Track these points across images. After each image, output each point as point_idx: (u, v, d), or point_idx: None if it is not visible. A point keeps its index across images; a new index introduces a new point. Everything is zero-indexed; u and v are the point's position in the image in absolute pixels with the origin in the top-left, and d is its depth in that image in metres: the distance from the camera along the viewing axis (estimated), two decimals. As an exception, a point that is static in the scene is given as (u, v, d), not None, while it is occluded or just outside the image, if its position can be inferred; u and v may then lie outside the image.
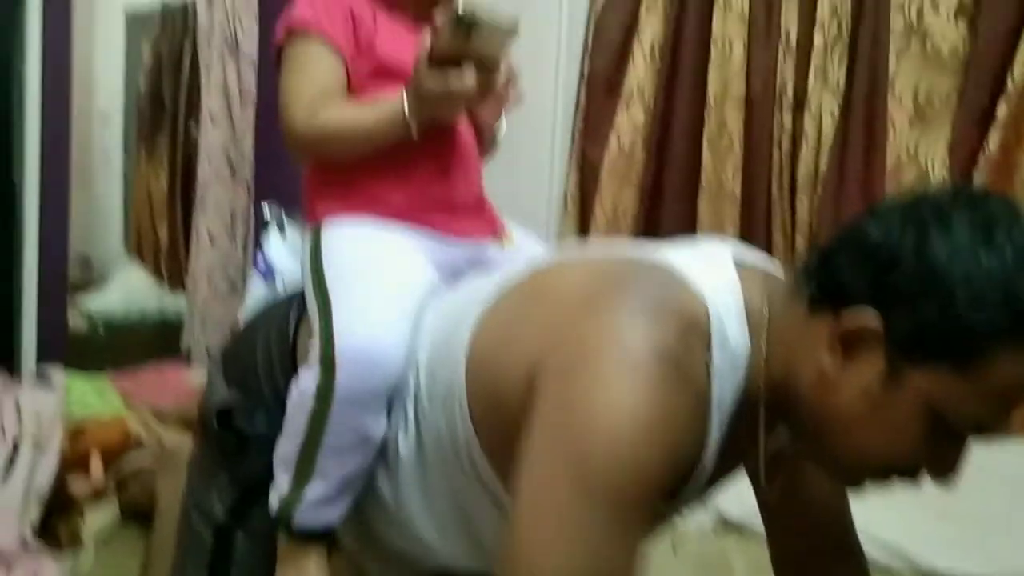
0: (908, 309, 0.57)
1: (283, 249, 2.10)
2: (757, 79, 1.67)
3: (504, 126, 1.16)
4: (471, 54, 0.92)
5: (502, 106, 1.08)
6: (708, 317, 0.64)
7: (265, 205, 2.07)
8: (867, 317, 0.58)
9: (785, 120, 1.63)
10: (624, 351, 0.61)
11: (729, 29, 1.71)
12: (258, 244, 1.95)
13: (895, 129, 1.51)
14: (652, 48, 1.85)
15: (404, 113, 0.95)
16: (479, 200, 1.12)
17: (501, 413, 0.68)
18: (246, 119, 1.89)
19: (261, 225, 1.98)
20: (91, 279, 2.48)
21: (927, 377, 0.57)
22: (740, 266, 0.70)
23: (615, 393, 0.59)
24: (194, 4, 1.96)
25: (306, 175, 1.09)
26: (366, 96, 1.01)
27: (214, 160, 1.86)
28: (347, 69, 1.02)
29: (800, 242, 1.60)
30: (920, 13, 1.48)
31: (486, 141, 1.17)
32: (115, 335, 2.22)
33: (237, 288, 1.89)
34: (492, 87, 0.99)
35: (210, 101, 1.85)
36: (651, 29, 1.85)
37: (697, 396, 0.62)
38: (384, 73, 1.01)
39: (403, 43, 1.03)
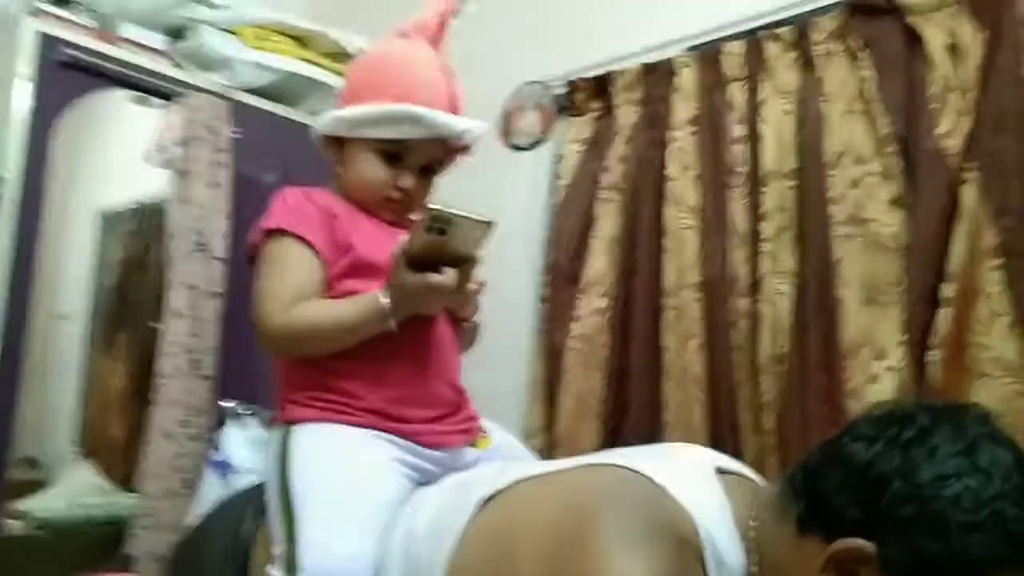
0: (902, 537, 0.56)
1: (242, 443, 2.03)
2: (711, 266, 1.74)
3: (480, 317, 1.17)
4: (447, 251, 0.96)
5: (475, 297, 1.10)
6: (697, 534, 0.62)
7: (227, 401, 2.03)
8: (860, 546, 0.57)
9: (741, 304, 1.67)
10: None
11: (682, 221, 1.81)
12: (215, 440, 1.89)
13: (848, 311, 1.56)
14: (609, 240, 1.93)
15: (384, 307, 0.96)
16: (456, 397, 1.11)
17: None
18: (211, 314, 1.90)
19: (220, 420, 1.94)
20: (37, 480, 2.36)
21: None
22: (719, 472, 0.69)
23: None
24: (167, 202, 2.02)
25: (278, 372, 1.08)
26: (341, 292, 1.03)
27: (175, 354, 1.84)
28: (324, 269, 1.04)
29: (767, 421, 1.59)
30: (859, 203, 1.57)
31: (467, 333, 1.18)
32: (57, 539, 2.08)
33: (191, 486, 1.80)
34: (469, 281, 1.02)
35: (175, 296, 1.86)
36: (607, 222, 1.95)
37: None
38: (360, 271, 1.04)
39: (379, 242, 1.07)
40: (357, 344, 0.98)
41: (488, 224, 0.95)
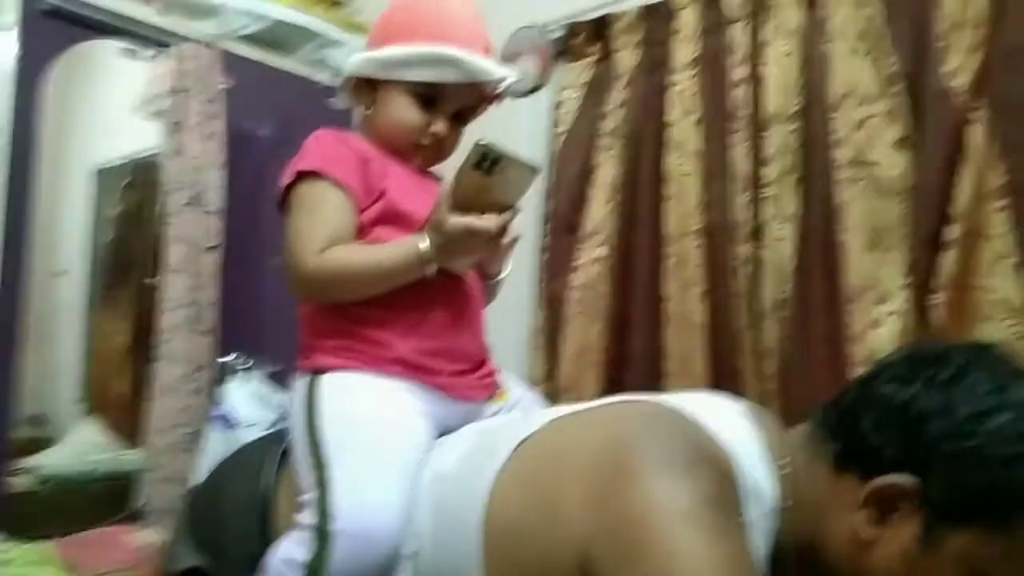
0: (943, 472, 0.58)
1: (245, 397, 2.04)
2: (713, 212, 1.72)
3: (506, 270, 1.16)
4: (490, 196, 0.92)
5: (508, 251, 1.08)
6: (732, 466, 0.63)
7: (228, 355, 2.03)
8: (903, 482, 0.58)
9: (743, 250, 1.66)
10: (677, 515, 0.58)
11: (683, 167, 1.78)
12: (218, 394, 1.90)
13: (851, 255, 1.54)
14: (609, 188, 1.91)
15: (423, 252, 0.94)
16: (482, 352, 1.11)
17: None
18: (209, 268, 1.89)
19: (222, 375, 1.94)
20: (44, 437, 2.37)
21: (966, 539, 0.58)
22: (747, 416, 0.69)
23: (691, 560, 0.56)
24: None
25: (303, 319, 1.07)
26: (371, 239, 1.01)
27: (176, 309, 1.83)
28: (357, 212, 1.02)
29: (769, 367, 1.59)
30: (863, 146, 1.54)
31: (490, 287, 1.17)
32: (65, 495, 2.10)
33: (195, 441, 1.81)
34: (508, 231, 1.00)
35: (172, 251, 1.85)
36: (607, 170, 1.92)
37: (745, 543, 0.60)
38: (392, 219, 1.02)
39: (411, 191, 1.05)
40: (389, 292, 0.97)
41: (534, 170, 0.93)
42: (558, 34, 2.08)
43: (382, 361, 0.97)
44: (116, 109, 2.33)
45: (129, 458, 2.15)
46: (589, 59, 2.03)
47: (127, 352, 2.48)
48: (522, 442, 0.74)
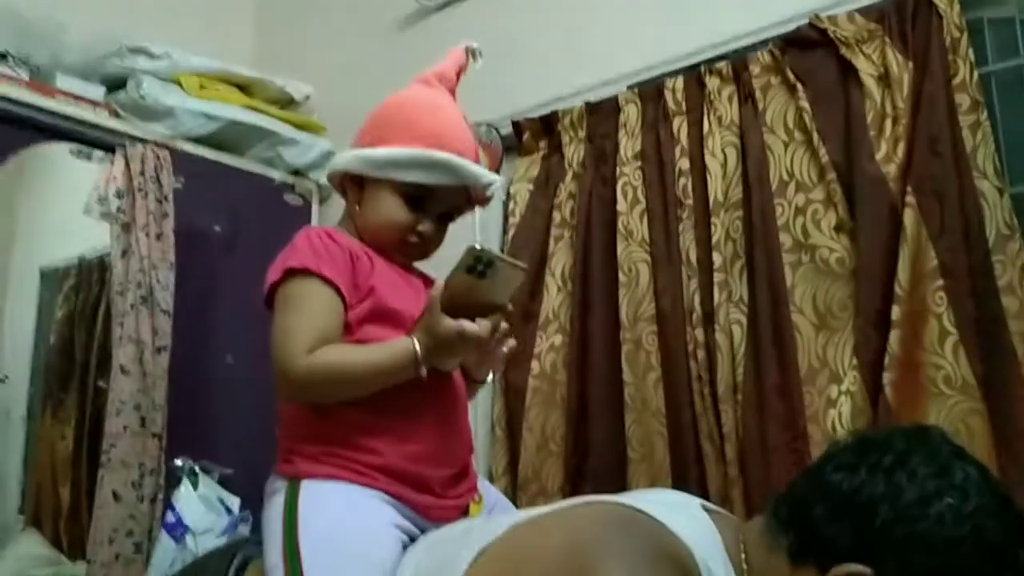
0: (895, 557, 0.60)
1: (196, 503, 1.96)
2: (665, 299, 1.75)
3: (497, 372, 1.16)
4: (481, 298, 0.93)
5: (499, 354, 1.09)
6: (696, 566, 0.63)
7: (178, 459, 1.96)
8: (858, 571, 0.59)
9: (697, 335, 1.68)
10: None
11: (634, 255, 1.82)
12: (168, 500, 1.83)
13: (802, 336, 1.58)
14: (563, 276, 1.94)
15: (416, 354, 0.93)
16: (468, 455, 1.10)
17: None
18: (159, 369, 1.84)
19: (172, 480, 1.87)
20: (-20, 552, 2.24)
21: None
22: (705, 511, 0.70)
23: None
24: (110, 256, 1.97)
25: (284, 421, 1.05)
26: (360, 338, 1.00)
27: (123, 412, 1.78)
28: (345, 311, 1.01)
29: (729, 450, 1.60)
30: (805, 230, 1.60)
31: (474, 388, 1.17)
32: (2, 616, 1.97)
33: (143, 550, 1.73)
34: (499, 332, 1.01)
35: (121, 352, 1.80)
36: (561, 259, 1.95)
37: None
38: (381, 317, 1.02)
39: (398, 288, 1.06)
40: (377, 396, 0.96)
41: (523, 270, 0.95)
42: (507, 130, 2.14)
43: (368, 469, 0.96)
44: (62, 210, 2.31)
45: (72, 571, 2.05)
46: (539, 153, 2.09)
47: (70, 459, 2.38)
48: (483, 551, 0.73)
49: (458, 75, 1.20)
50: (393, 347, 0.96)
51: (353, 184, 1.11)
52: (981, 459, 1.31)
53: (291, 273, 1.00)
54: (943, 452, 0.63)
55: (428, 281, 1.14)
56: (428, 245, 1.11)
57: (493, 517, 0.91)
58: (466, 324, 0.92)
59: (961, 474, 0.61)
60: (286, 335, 0.96)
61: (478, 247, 0.90)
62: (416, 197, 1.08)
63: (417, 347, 0.94)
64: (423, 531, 0.98)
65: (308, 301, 0.98)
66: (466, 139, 1.11)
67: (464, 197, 1.12)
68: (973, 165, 1.46)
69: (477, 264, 0.89)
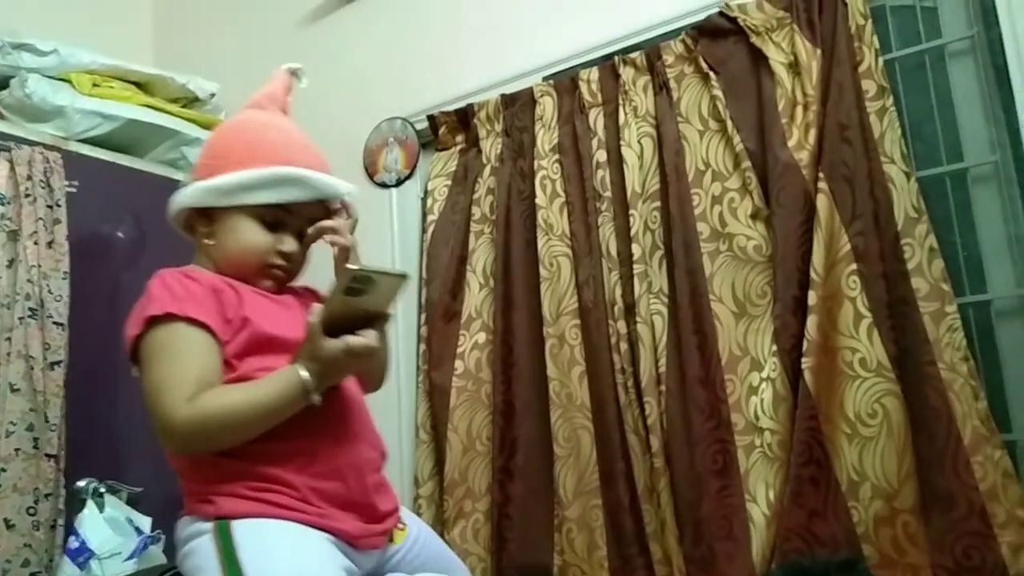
0: None
1: (101, 525, 1.84)
2: (586, 292, 1.73)
3: (385, 380, 1.17)
4: (361, 310, 0.91)
5: (386, 348, 1.06)
6: None
7: (81, 481, 1.84)
8: None
9: (619, 327, 1.67)
10: None
11: (554, 248, 1.79)
12: (68, 525, 1.71)
13: (722, 325, 1.58)
14: (485, 272, 1.90)
15: (305, 382, 0.89)
16: (380, 456, 1.09)
17: None
18: (52, 385, 1.71)
19: (75, 504, 1.75)
20: None
21: None
22: None
23: None
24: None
25: (183, 466, 0.99)
26: (244, 372, 0.95)
27: (14, 434, 1.65)
28: (220, 349, 0.96)
29: (654, 442, 1.58)
30: (722, 219, 1.61)
31: (372, 381, 1.16)
32: None
33: (41, 581, 1.61)
34: (384, 337, 0.98)
35: (11, 369, 1.67)
36: (482, 255, 1.91)
37: None
38: (261, 347, 0.96)
39: (272, 314, 1.01)
40: (277, 425, 0.92)
41: (403, 277, 0.92)
42: (422, 125, 2.09)
43: (294, 501, 0.92)
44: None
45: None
46: (456, 148, 2.04)
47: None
48: None
49: (288, 93, 1.19)
50: (278, 381, 0.92)
51: (202, 218, 1.07)
52: (897, 439, 1.36)
53: (153, 322, 0.93)
54: None
55: (301, 295, 1.12)
56: (292, 265, 1.08)
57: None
58: (350, 339, 0.90)
59: None
60: (160, 388, 0.90)
61: (355, 268, 0.89)
62: (272, 218, 1.05)
63: (305, 375, 0.90)
64: (362, 563, 0.98)
65: (178, 347, 0.91)
66: (314, 153, 1.09)
67: (322, 211, 1.09)
68: (881, 150, 1.49)
69: (355, 284, 0.88)
